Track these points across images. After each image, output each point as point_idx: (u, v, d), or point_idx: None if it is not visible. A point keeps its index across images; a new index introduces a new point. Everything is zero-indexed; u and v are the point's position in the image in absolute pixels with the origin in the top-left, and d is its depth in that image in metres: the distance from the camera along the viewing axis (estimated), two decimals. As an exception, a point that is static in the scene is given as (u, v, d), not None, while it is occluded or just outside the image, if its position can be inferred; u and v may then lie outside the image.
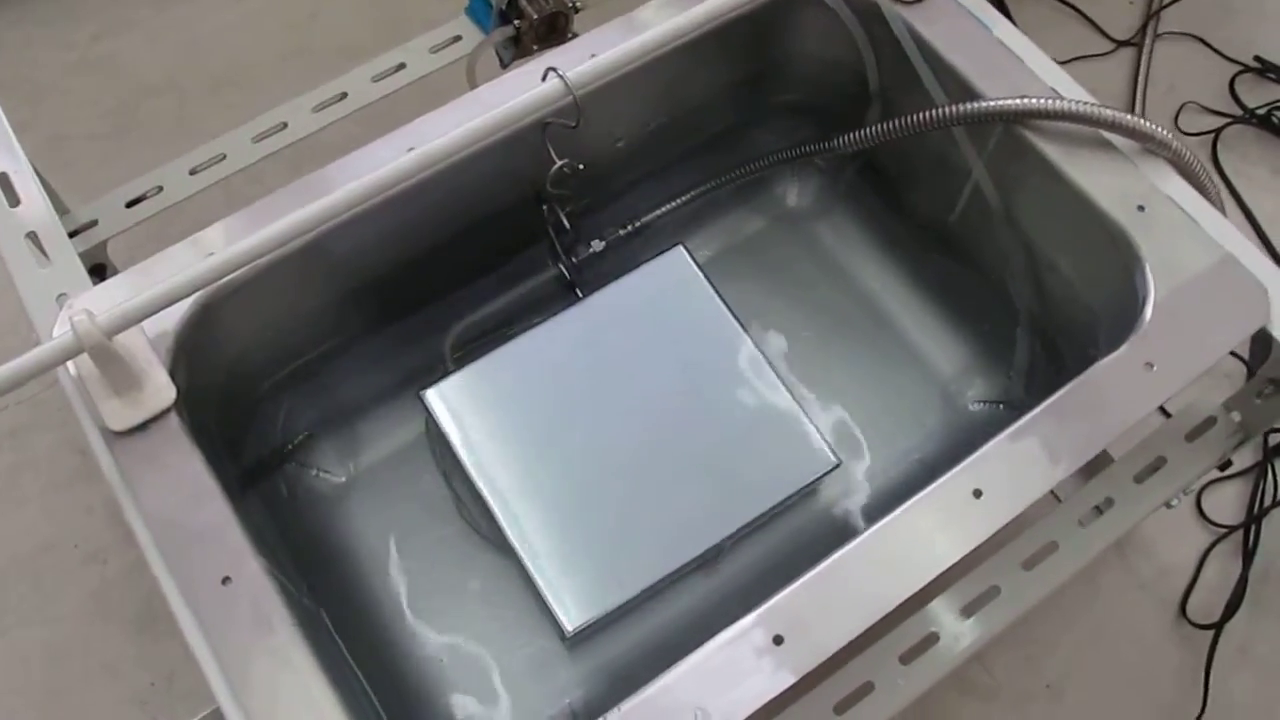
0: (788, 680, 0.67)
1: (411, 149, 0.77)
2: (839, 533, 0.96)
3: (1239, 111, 1.43)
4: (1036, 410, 0.77)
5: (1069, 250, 0.90)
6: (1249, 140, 1.42)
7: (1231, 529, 1.16)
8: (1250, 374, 0.88)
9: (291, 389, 0.93)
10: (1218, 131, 1.41)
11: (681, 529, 0.88)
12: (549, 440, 0.90)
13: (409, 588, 0.93)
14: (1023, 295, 0.95)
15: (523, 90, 0.79)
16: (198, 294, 0.76)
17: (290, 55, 1.39)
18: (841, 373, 1.01)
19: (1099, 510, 0.86)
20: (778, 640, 0.68)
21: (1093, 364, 0.87)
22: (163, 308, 0.71)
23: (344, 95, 1.06)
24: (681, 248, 0.97)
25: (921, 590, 0.70)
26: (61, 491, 1.14)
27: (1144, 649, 1.11)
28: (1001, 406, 1.00)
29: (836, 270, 1.06)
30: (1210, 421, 0.88)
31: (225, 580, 0.69)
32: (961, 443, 0.99)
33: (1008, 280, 0.96)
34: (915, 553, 0.72)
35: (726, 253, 1.06)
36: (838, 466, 0.91)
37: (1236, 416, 0.88)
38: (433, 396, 0.91)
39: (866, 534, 0.72)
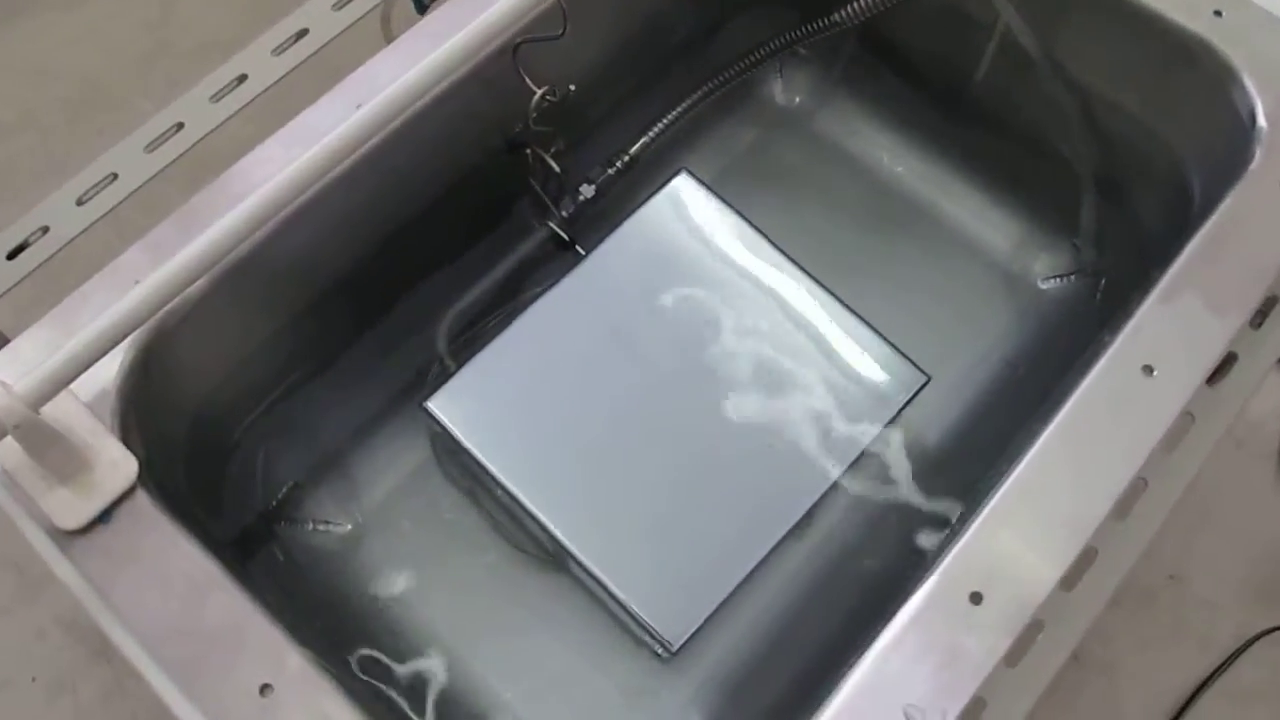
0: (1002, 644, 0.54)
1: (360, 106, 0.61)
2: (937, 462, 0.82)
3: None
4: (1181, 260, 0.65)
5: (1134, 84, 0.78)
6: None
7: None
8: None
9: (268, 434, 0.76)
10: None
11: (764, 501, 0.73)
12: (584, 430, 0.75)
13: (459, 636, 0.77)
14: (1080, 149, 0.83)
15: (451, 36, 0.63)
16: (134, 335, 0.59)
17: (151, 58, 1.19)
18: (888, 278, 0.88)
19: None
20: (976, 598, 0.54)
21: (1191, 201, 0.75)
22: (95, 359, 0.53)
23: (243, 78, 0.87)
24: (686, 172, 0.82)
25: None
26: (1, 619, 0.95)
27: (1256, 510, 1.00)
28: (1074, 278, 0.88)
29: (851, 164, 0.92)
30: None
31: (264, 689, 0.52)
32: (1045, 329, 0.86)
33: (1056, 136, 0.84)
34: (1100, 454, 0.58)
35: (725, 174, 0.92)
36: (928, 382, 0.77)
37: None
38: (438, 406, 0.74)
39: (1039, 445, 0.58)
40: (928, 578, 0.55)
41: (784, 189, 0.91)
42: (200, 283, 0.62)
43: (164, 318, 0.61)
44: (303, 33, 0.90)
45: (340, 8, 0.92)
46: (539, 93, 0.71)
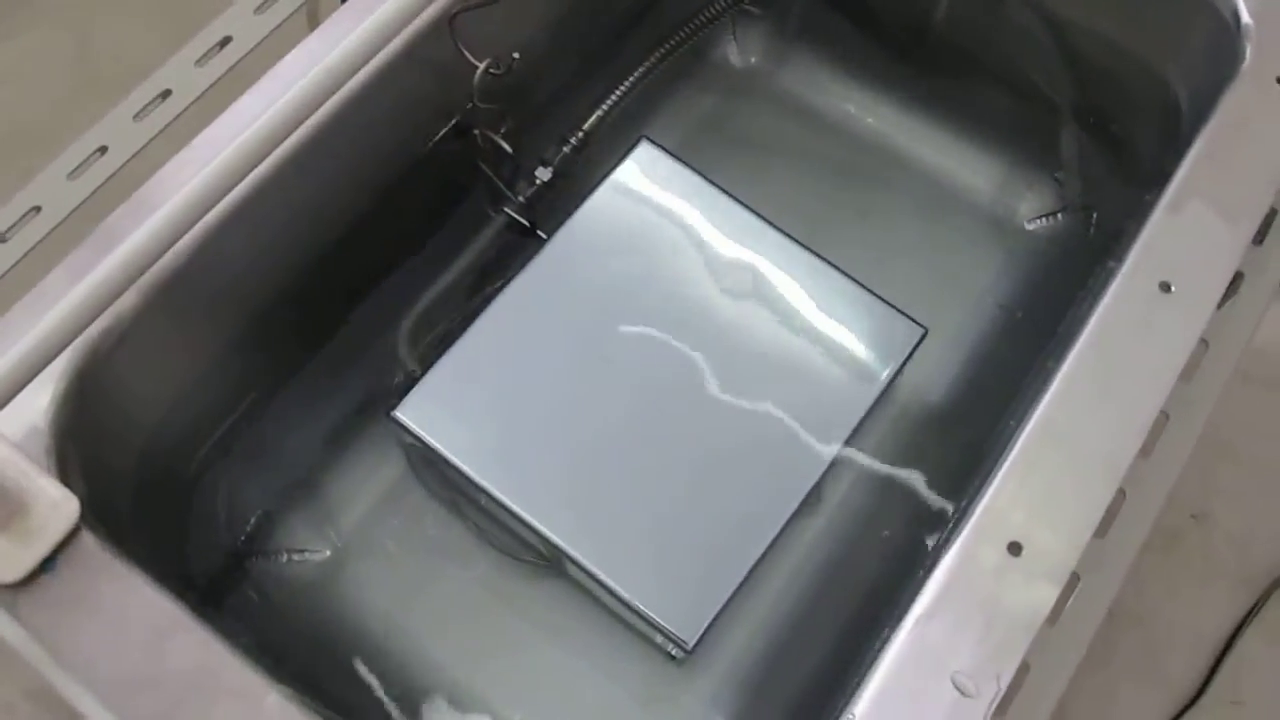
0: (1049, 594, 0.49)
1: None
2: (942, 415, 0.78)
3: None
4: (1184, 167, 0.61)
5: (1109, 6, 0.74)
6: None
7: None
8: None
9: (228, 462, 0.71)
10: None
11: (766, 481, 0.68)
12: (565, 425, 0.69)
13: (458, 658, 0.71)
14: (1055, 79, 0.79)
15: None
16: (65, 362, 0.53)
17: (78, 93, 1.14)
18: (869, 234, 0.83)
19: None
20: (1015, 549, 0.50)
21: (1180, 117, 0.72)
22: (19, 388, 0.48)
23: (168, 93, 0.82)
24: (647, 140, 0.77)
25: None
26: (-40, 699, 0.89)
27: (1275, 441, 0.96)
28: (1061, 216, 0.83)
29: (818, 121, 0.88)
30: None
31: (244, 734, 0.47)
32: (1038, 271, 0.82)
33: (1029, 68, 0.80)
34: (1126, 383, 0.54)
35: (687, 144, 0.87)
36: (925, 335, 0.72)
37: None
38: (408, 414, 0.69)
39: (1059, 380, 0.54)
40: (959, 533, 0.50)
41: (750, 153, 0.87)
42: (132, 301, 0.57)
43: (97, 341, 0.56)
44: (226, 40, 0.85)
45: (263, 11, 0.87)
46: (481, 67, 0.66)
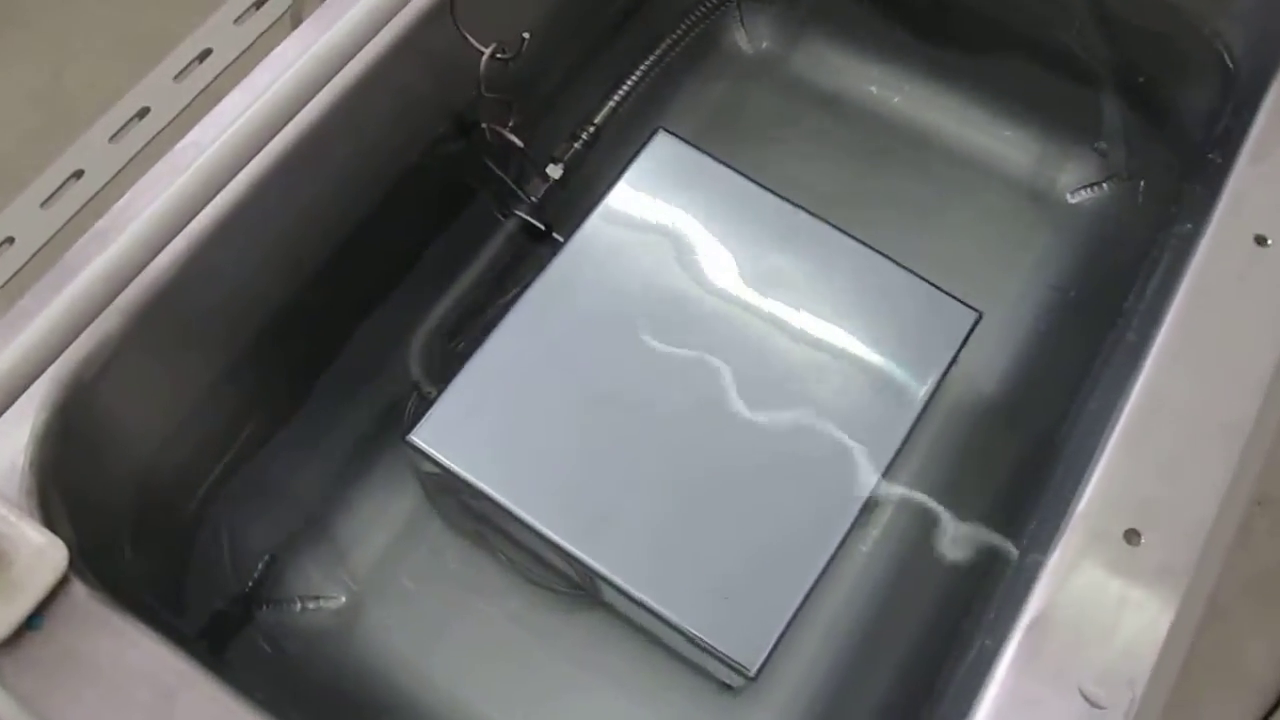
0: (1178, 585, 0.43)
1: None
2: (1002, 407, 0.72)
3: None
4: (1261, 118, 0.55)
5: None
6: None
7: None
8: None
9: (231, 501, 0.64)
10: None
11: (819, 491, 0.62)
12: (594, 442, 0.63)
13: (496, 706, 0.65)
14: (1092, 41, 0.74)
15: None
16: (44, 395, 0.47)
17: (49, 128, 1.08)
18: (903, 217, 0.78)
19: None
20: (1132, 537, 0.44)
21: (1232, 72, 0.67)
22: (-7, 424, 0.42)
23: (146, 111, 0.77)
24: (663, 131, 0.72)
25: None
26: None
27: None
28: (1108, 185, 0.78)
29: (838, 104, 0.83)
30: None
31: (268, 802, 0.40)
32: (1089, 246, 0.77)
33: (1062, 31, 0.75)
34: (1232, 344, 0.49)
35: (701, 136, 0.80)
36: (980, 318, 0.67)
37: None
38: (425, 438, 0.63)
39: (1156, 349, 0.48)
40: (1063, 528, 0.45)
41: (768, 142, 0.81)
42: (115, 325, 0.51)
43: (79, 370, 0.50)
44: (206, 53, 0.80)
45: (242, 21, 0.82)
46: (487, 52, 0.61)
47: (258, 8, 0.80)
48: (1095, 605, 0.43)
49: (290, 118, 0.47)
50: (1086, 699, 0.40)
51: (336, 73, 0.48)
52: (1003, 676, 0.42)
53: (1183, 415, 0.47)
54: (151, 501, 0.57)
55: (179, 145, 0.57)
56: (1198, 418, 0.46)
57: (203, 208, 0.45)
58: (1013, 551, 0.55)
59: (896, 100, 0.82)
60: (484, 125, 0.66)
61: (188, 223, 0.45)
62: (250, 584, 0.67)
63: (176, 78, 0.77)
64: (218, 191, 0.46)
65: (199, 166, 0.45)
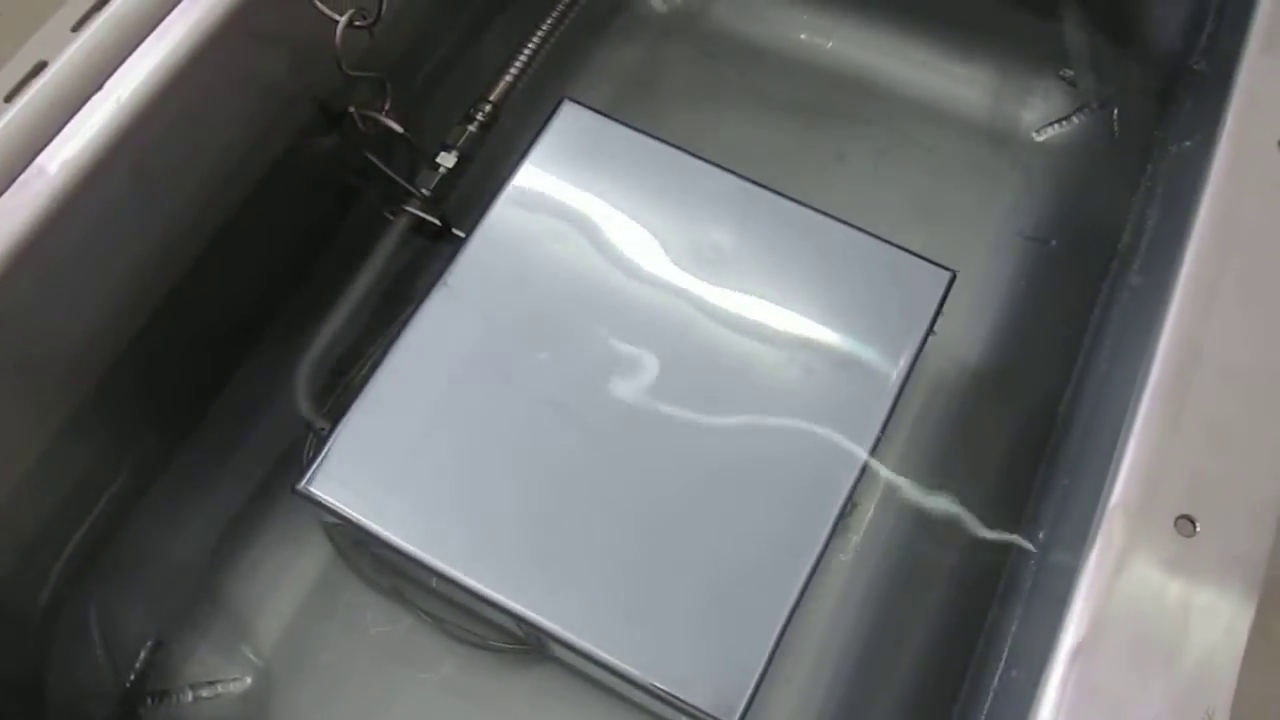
0: (1250, 584, 0.34)
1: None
2: (989, 378, 0.63)
3: None
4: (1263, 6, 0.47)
5: None
6: None
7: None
8: None
9: (96, 579, 0.54)
10: None
11: (789, 498, 0.53)
12: (521, 470, 0.53)
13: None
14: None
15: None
16: None
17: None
18: (855, 175, 0.69)
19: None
20: (1186, 525, 0.35)
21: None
22: None
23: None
24: (569, 101, 0.62)
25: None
26: None
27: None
28: (1077, 118, 0.70)
29: (768, 57, 0.74)
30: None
31: None
32: (1062, 187, 0.68)
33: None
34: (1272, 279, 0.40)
35: (616, 105, 0.72)
36: (955, 277, 0.58)
37: None
38: (320, 486, 0.53)
39: (1179, 294, 0.39)
40: (1099, 515, 0.35)
41: (692, 107, 0.72)
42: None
43: None
44: (40, 66, 0.69)
45: (80, 27, 0.71)
46: (342, 20, 0.51)
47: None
48: (1153, 617, 0.33)
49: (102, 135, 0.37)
50: (1159, 746, 0.31)
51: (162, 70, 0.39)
52: (1048, 724, 0.32)
53: (1227, 366, 0.37)
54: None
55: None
56: (1246, 368, 0.37)
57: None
58: (1029, 548, 0.45)
59: (830, 46, 0.73)
60: (352, 110, 0.55)
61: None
62: (132, 677, 0.56)
63: (6, 98, 0.66)
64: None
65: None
